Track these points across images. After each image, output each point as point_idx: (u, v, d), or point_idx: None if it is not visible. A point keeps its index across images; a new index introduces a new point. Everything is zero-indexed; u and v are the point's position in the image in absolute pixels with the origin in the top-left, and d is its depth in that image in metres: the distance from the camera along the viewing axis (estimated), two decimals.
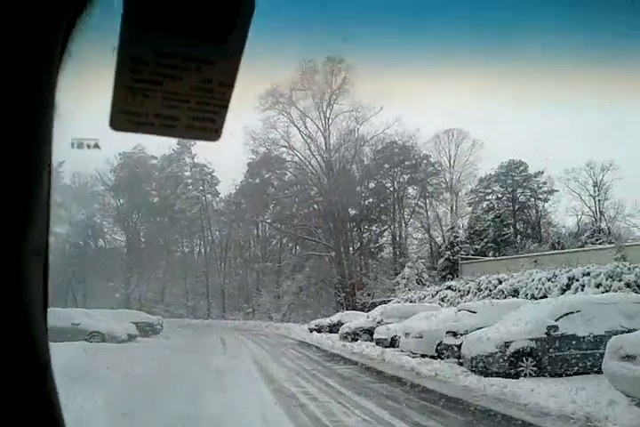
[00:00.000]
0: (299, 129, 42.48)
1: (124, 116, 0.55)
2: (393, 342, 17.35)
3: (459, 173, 49.79)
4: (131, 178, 50.11)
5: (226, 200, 53.19)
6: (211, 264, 51.45)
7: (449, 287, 23.21)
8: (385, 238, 50.69)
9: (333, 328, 26.11)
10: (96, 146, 0.90)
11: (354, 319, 23.55)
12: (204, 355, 14.75)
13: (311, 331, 26.61)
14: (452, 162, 50.06)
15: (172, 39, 0.54)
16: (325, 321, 27.32)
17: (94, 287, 46.68)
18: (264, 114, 41.34)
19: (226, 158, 64.59)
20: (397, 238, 50.13)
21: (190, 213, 51.43)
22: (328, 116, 42.46)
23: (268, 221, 48.67)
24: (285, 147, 43.54)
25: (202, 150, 50.80)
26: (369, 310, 28.49)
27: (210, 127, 0.58)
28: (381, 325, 19.34)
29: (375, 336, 18.40)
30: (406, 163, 48.51)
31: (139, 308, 45.89)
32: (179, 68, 0.55)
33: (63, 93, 0.59)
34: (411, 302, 25.70)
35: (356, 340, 19.76)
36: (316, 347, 19.42)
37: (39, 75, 0.55)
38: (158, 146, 52.49)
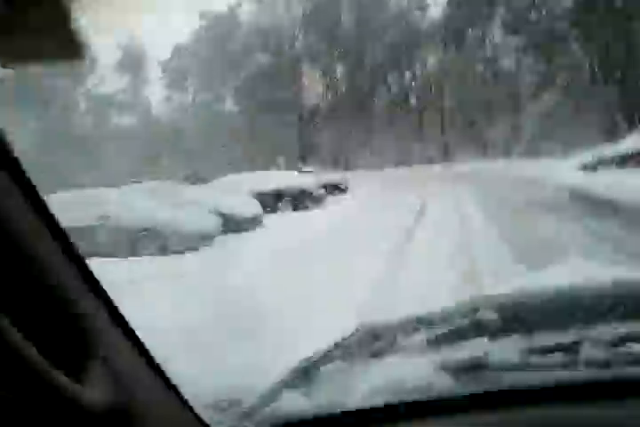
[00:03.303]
0: None
1: None
2: None
3: None
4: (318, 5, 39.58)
5: (437, 18, 39.83)
6: (425, 99, 40.46)
7: None
8: None
9: (624, 160, 14.48)
10: None
11: None
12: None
13: (584, 169, 15.13)
14: None
15: None
16: (608, 151, 15.34)
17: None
18: None
19: None
20: None
21: (390, 36, 39.61)
22: None
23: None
24: None
25: None
26: None
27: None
28: None
29: None
30: None
31: (344, 164, 37.98)
32: None
33: None
34: None
35: None
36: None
37: None
38: None
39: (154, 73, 45.75)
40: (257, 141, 39.78)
